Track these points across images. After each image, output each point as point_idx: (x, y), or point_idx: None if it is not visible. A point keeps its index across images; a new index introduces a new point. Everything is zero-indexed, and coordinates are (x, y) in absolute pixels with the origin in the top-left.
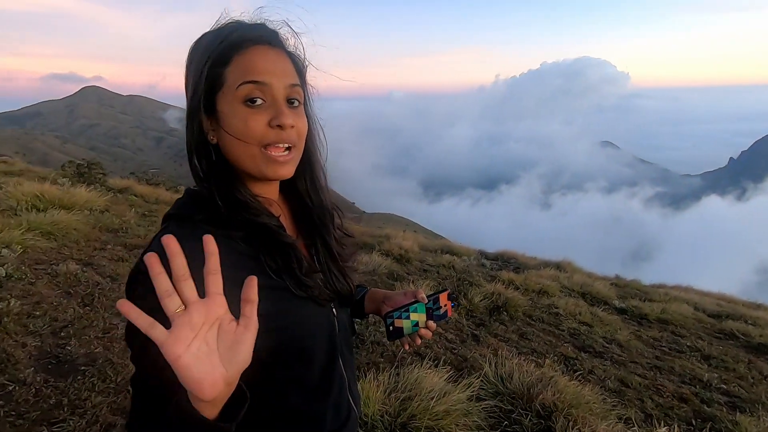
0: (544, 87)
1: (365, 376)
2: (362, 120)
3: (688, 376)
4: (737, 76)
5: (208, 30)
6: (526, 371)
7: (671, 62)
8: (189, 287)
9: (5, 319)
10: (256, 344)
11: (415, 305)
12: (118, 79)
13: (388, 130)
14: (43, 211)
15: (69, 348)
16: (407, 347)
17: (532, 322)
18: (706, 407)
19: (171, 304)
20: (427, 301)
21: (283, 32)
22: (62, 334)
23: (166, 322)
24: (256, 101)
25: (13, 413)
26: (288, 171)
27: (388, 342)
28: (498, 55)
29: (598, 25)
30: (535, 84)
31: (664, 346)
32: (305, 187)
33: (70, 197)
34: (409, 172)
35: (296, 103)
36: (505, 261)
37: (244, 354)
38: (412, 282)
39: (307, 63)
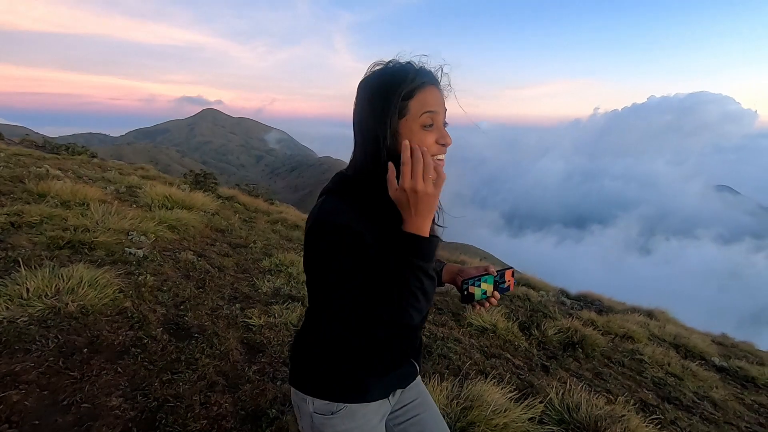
0: (651, 122)
1: (429, 381)
2: (448, 148)
3: None
4: None
5: (377, 68)
6: (595, 405)
7: None
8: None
9: (142, 289)
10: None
11: (486, 276)
12: (235, 103)
13: (473, 160)
14: (170, 209)
15: (186, 318)
16: (477, 309)
17: (611, 364)
18: None
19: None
20: (495, 273)
21: (438, 73)
22: (182, 307)
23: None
24: (430, 125)
25: (146, 360)
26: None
27: (464, 309)
28: (598, 89)
29: (718, 59)
30: (640, 119)
31: None
32: None
33: (190, 200)
34: (491, 204)
35: (446, 125)
36: (587, 302)
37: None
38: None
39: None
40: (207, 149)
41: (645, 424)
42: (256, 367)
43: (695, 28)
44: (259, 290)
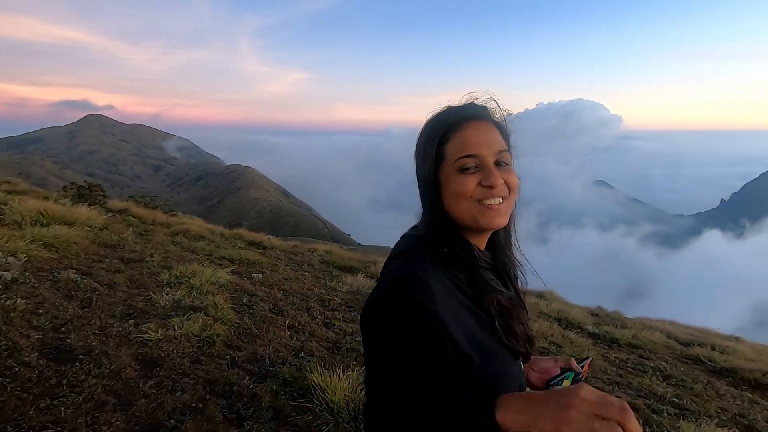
0: (540, 126)
1: (335, 373)
2: (361, 154)
3: (644, 390)
4: (727, 122)
5: (431, 115)
6: None
7: (665, 106)
8: None
9: (11, 314)
10: (457, 349)
11: (569, 373)
12: (130, 108)
13: (388, 165)
14: (45, 226)
15: (68, 341)
16: None
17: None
18: (654, 415)
19: None
20: (579, 369)
21: (491, 106)
22: (62, 329)
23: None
24: (469, 169)
25: (18, 389)
26: (502, 220)
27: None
28: (497, 96)
29: (591, 69)
30: (532, 123)
31: (628, 366)
32: (502, 240)
33: (72, 215)
34: (406, 206)
35: (504, 165)
36: None
37: None
38: None
39: (511, 129)
40: (93, 159)
41: None
42: (152, 382)
43: (575, 40)
44: (157, 304)
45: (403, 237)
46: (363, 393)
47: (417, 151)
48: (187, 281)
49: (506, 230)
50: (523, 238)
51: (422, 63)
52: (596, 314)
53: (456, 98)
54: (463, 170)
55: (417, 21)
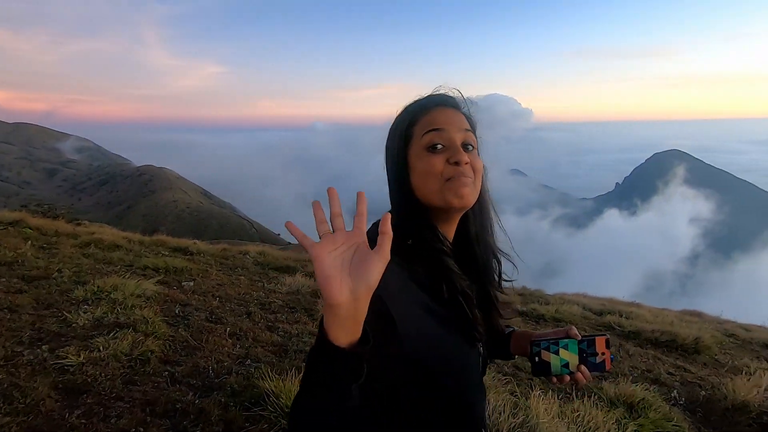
0: None
1: (286, 376)
2: (286, 150)
3: None
4: (619, 113)
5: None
6: None
7: (568, 100)
8: (339, 221)
9: None
10: (403, 348)
11: (566, 341)
12: (14, 104)
13: (315, 161)
14: None
15: None
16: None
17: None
18: None
19: (321, 228)
20: (579, 338)
21: (458, 98)
22: None
23: None
24: (437, 147)
25: None
26: (469, 197)
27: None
28: (419, 92)
29: (505, 66)
30: None
31: None
32: (475, 232)
33: None
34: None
35: (471, 148)
36: None
37: (371, 275)
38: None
39: (476, 121)
40: None
41: None
42: (79, 411)
43: (489, 35)
44: (73, 324)
45: (372, 225)
46: None
47: (387, 141)
48: (107, 296)
49: (480, 224)
50: None
51: (346, 57)
52: (522, 294)
53: (381, 94)
54: (431, 149)
55: (339, 14)
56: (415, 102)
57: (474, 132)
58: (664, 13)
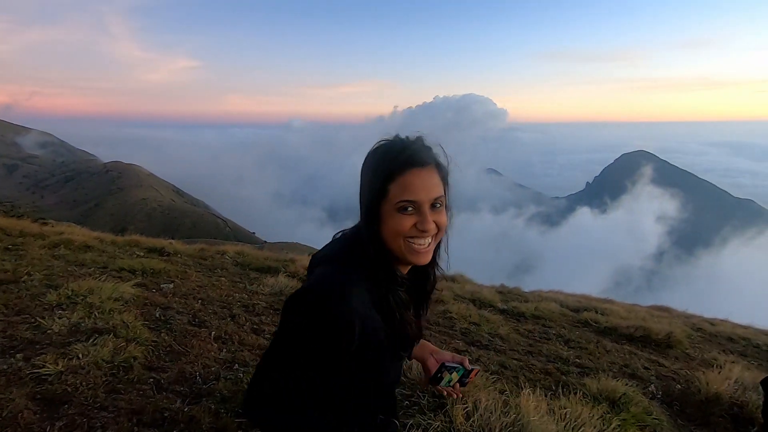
0: (437, 119)
1: None
2: (261, 148)
3: (552, 356)
4: (588, 115)
5: (382, 142)
6: None
7: (540, 101)
8: None
9: None
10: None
11: (461, 369)
12: None
13: (291, 159)
14: None
15: None
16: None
17: (429, 326)
18: (564, 377)
19: None
20: (470, 368)
21: (434, 153)
22: None
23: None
24: (407, 210)
25: None
26: (426, 259)
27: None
28: (396, 89)
29: (481, 66)
30: (429, 116)
31: (536, 336)
32: (430, 264)
33: None
34: (312, 200)
35: (438, 206)
36: None
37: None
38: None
39: (450, 168)
40: None
41: None
42: (61, 423)
43: (467, 36)
44: (48, 331)
45: (335, 240)
46: None
47: (364, 174)
48: (83, 300)
49: (434, 255)
50: None
51: (324, 54)
52: (501, 291)
53: (358, 91)
54: (402, 210)
55: (317, 10)
56: (395, 151)
57: (446, 184)
58: (629, 19)
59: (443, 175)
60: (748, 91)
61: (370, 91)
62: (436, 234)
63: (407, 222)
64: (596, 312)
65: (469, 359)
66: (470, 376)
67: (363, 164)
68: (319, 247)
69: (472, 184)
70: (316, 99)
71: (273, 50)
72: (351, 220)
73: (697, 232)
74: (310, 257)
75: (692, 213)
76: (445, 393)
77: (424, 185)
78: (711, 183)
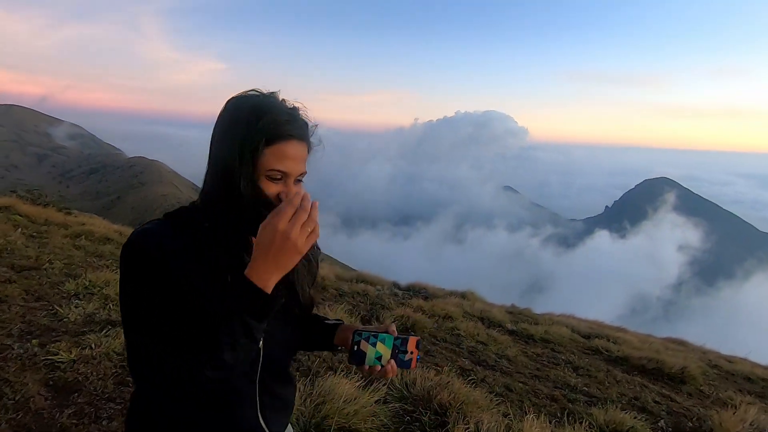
0: (457, 133)
1: None
2: None
3: (560, 382)
4: (608, 138)
5: (251, 93)
6: (428, 378)
7: (561, 121)
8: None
9: None
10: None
11: (384, 335)
12: (7, 87)
13: (307, 163)
14: None
15: None
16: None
17: (437, 342)
18: (570, 404)
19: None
20: (396, 335)
21: (310, 124)
22: None
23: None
24: (276, 179)
25: None
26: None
27: (315, 356)
28: (417, 101)
29: (503, 83)
30: (450, 130)
31: (544, 360)
32: None
33: None
34: (327, 206)
35: (299, 181)
36: (416, 291)
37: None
38: (328, 306)
39: (315, 146)
40: None
41: (464, 385)
42: (70, 411)
43: (490, 52)
44: (65, 319)
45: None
46: (313, 405)
47: (231, 126)
48: (99, 291)
49: None
50: (443, 238)
51: (346, 61)
52: (511, 312)
53: (377, 100)
54: (271, 178)
55: (344, 16)
56: (278, 113)
57: (310, 150)
58: (656, 44)
59: (309, 149)
60: None
61: (390, 101)
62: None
63: (273, 190)
64: (608, 340)
65: (414, 336)
66: (409, 347)
67: (231, 110)
68: (331, 253)
69: (488, 200)
70: (336, 105)
71: (298, 56)
72: (365, 228)
73: (720, 264)
74: None
75: (715, 244)
76: (367, 370)
77: (297, 159)
78: (736, 215)
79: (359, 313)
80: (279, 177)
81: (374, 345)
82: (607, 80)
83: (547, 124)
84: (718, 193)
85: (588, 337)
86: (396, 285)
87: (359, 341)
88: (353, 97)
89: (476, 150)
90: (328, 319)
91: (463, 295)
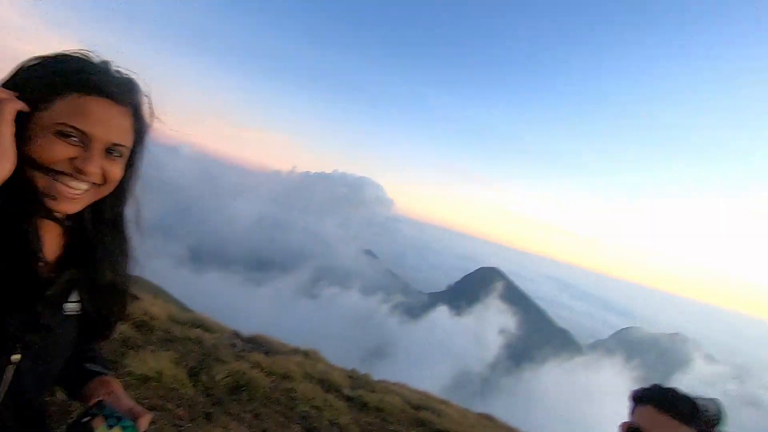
0: (332, 191)
1: None
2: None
3: None
4: (462, 227)
5: (81, 52)
6: None
7: (427, 202)
8: None
9: None
10: None
11: (129, 424)
12: None
13: (168, 183)
14: None
15: None
16: None
17: (269, 404)
18: None
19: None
20: (146, 428)
21: (144, 99)
22: None
23: None
24: (69, 137)
25: None
26: (71, 208)
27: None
28: (300, 148)
29: (377, 154)
30: (325, 185)
31: (374, 430)
32: (110, 218)
33: None
34: (176, 234)
35: (116, 156)
36: (258, 344)
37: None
38: (152, 352)
39: (151, 119)
40: None
41: None
42: None
43: (374, 120)
44: None
45: None
46: None
47: (29, 68)
48: None
49: (117, 213)
50: (298, 290)
51: (241, 92)
52: (351, 376)
53: (260, 138)
54: (61, 135)
55: (237, 49)
56: (83, 70)
57: (140, 138)
58: (499, 155)
59: (139, 127)
60: (575, 240)
61: (272, 142)
62: (101, 187)
63: (63, 152)
64: (433, 412)
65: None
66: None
67: (38, 60)
68: (167, 287)
69: (349, 260)
70: (213, 130)
71: (186, 75)
72: (215, 267)
73: (526, 348)
74: None
75: (525, 331)
76: None
77: (105, 120)
78: (541, 308)
79: (186, 364)
80: (74, 137)
81: (109, 428)
82: (467, 178)
83: (412, 200)
84: (530, 288)
85: (417, 407)
86: (237, 335)
87: (94, 415)
88: (234, 128)
89: (346, 210)
90: (93, 363)
91: (306, 354)
